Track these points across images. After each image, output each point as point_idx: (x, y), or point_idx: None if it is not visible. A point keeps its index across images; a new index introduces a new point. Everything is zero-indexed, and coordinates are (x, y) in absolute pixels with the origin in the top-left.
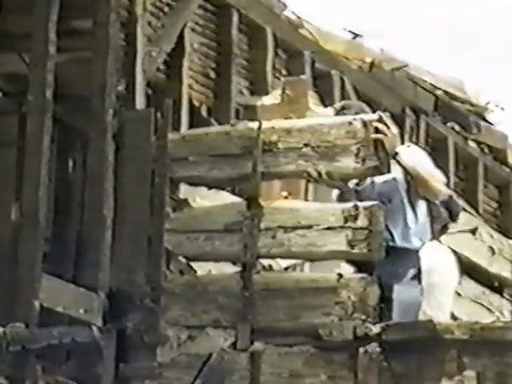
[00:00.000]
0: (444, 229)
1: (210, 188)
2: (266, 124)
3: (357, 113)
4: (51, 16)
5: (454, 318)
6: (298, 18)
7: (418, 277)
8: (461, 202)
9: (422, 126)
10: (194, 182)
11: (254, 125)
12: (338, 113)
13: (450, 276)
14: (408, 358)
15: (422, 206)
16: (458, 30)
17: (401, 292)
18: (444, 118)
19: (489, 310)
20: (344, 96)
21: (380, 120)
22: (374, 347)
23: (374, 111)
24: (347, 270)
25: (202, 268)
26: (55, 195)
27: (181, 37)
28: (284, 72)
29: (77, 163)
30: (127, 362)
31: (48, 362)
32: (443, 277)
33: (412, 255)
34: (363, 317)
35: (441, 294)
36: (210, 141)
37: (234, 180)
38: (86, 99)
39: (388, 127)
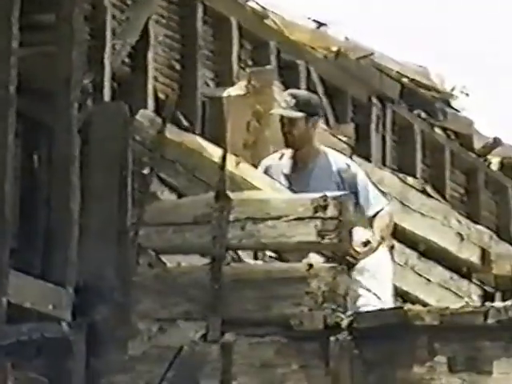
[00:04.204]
0: None
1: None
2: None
3: (288, 101)
4: (14, 10)
5: (423, 304)
6: (263, 8)
7: None
8: (429, 189)
9: (389, 113)
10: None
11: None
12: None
13: (383, 262)
14: (379, 345)
15: None
16: (423, 17)
17: None
18: (410, 105)
19: (458, 295)
20: (310, 86)
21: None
22: (344, 336)
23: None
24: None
25: (171, 261)
26: (21, 191)
27: (145, 29)
28: (249, 63)
29: (42, 158)
30: (98, 357)
31: (18, 358)
32: (377, 266)
33: None
34: (333, 306)
35: (378, 284)
36: (203, 164)
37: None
38: (51, 94)
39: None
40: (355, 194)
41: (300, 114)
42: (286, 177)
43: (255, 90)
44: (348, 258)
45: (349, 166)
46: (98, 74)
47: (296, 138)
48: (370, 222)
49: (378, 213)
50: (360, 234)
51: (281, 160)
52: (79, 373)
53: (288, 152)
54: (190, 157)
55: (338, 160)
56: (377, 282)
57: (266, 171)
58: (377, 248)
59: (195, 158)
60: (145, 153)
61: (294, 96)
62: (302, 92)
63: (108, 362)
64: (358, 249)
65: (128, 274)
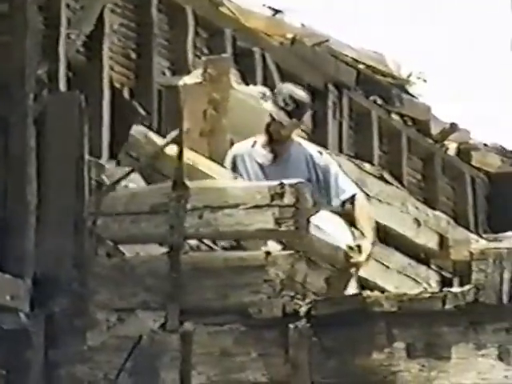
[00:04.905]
0: None
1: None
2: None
3: (287, 104)
4: None
5: (382, 290)
6: None
7: None
8: (386, 175)
9: (345, 100)
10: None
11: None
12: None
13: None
14: (338, 332)
15: None
16: (380, 3)
17: None
18: (366, 91)
19: (416, 281)
20: (266, 73)
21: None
22: (303, 323)
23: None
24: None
25: (130, 250)
26: None
27: (100, 18)
28: (205, 51)
29: None
30: (57, 348)
31: None
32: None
33: None
34: (292, 293)
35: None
36: (166, 162)
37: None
38: (6, 84)
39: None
40: (327, 181)
41: (293, 123)
42: (260, 166)
43: (211, 78)
44: (349, 268)
45: (321, 153)
46: (53, 63)
47: (281, 137)
48: (345, 211)
49: (352, 201)
50: (348, 236)
51: (254, 147)
52: (38, 364)
53: (260, 139)
54: (187, 173)
55: (311, 149)
56: None
57: (239, 159)
58: (373, 245)
59: (192, 174)
60: (140, 169)
61: (294, 100)
62: (302, 95)
63: (67, 353)
64: (358, 258)
65: (86, 264)
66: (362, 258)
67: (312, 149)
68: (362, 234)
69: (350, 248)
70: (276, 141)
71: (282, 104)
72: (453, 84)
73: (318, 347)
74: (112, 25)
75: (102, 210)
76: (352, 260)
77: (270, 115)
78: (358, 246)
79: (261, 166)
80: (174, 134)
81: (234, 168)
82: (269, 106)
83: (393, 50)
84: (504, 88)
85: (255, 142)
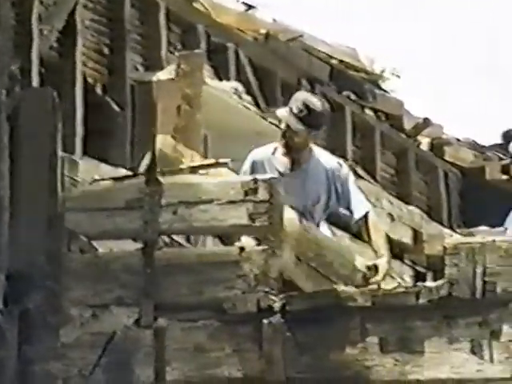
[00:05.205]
0: None
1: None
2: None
3: (301, 110)
4: None
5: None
6: None
7: None
8: (359, 170)
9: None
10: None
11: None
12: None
13: None
14: (312, 327)
15: None
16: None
17: None
18: (339, 87)
19: (390, 276)
20: (239, 68)
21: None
22: (277, 318)
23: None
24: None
25: (103, 246)
26: None
27: (72, 14)
28: (179, 46)
29: None
30: (30, 344)
31: None
32: None
33: None
34: (266, 289)
35: None
36: None
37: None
38: None
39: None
40: (347, 194)
41: (304, 130)
42: (281, 174)
43: (185, 73)
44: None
45: (341, 165)
46: (26, 59)
47: (295, 144)
48: (358, 227)
49: (365, 218)
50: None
51: (274, 155)
52: (11, 360)
53: (280, 147)
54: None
55: (330, 159)
56: None
57: (258, 165)
58: (389, 264)
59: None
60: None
61: (307, 107)
62: (318, 104)
63: (41, 350)
64: (376, 278)
65: (59, 260)
66: (380, 277)
67: (332, 160)
68: (376, 252)
69: (369, 268)
70: (295, 149)
71: (295, 110)
72: (434, 80)
73: (292, 342)
74: (84, 20)
75: (76, 206)
76: (371, 281)
77: (285, 122)
78: (375, 266)
79: (281, 175)
80: (222, 160)
81: (253, 174)
82: (284, 113)
83: (367, 45)
84: (483, 83)
85: (275, 149)
